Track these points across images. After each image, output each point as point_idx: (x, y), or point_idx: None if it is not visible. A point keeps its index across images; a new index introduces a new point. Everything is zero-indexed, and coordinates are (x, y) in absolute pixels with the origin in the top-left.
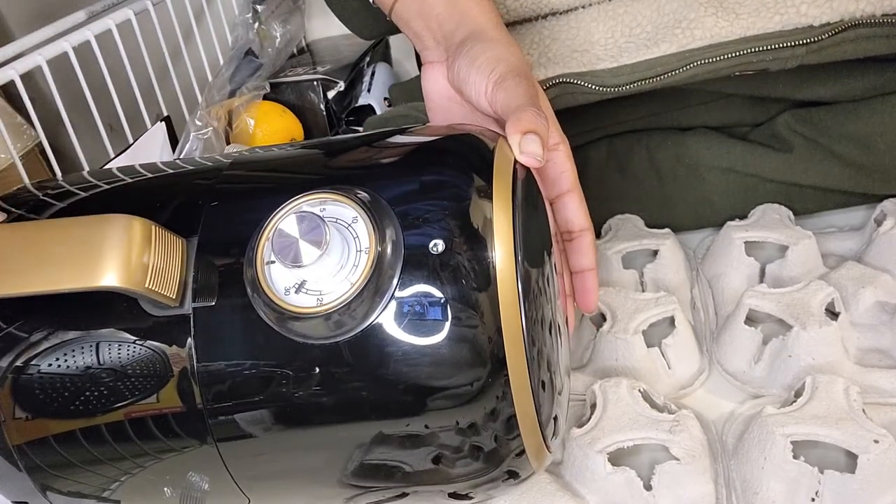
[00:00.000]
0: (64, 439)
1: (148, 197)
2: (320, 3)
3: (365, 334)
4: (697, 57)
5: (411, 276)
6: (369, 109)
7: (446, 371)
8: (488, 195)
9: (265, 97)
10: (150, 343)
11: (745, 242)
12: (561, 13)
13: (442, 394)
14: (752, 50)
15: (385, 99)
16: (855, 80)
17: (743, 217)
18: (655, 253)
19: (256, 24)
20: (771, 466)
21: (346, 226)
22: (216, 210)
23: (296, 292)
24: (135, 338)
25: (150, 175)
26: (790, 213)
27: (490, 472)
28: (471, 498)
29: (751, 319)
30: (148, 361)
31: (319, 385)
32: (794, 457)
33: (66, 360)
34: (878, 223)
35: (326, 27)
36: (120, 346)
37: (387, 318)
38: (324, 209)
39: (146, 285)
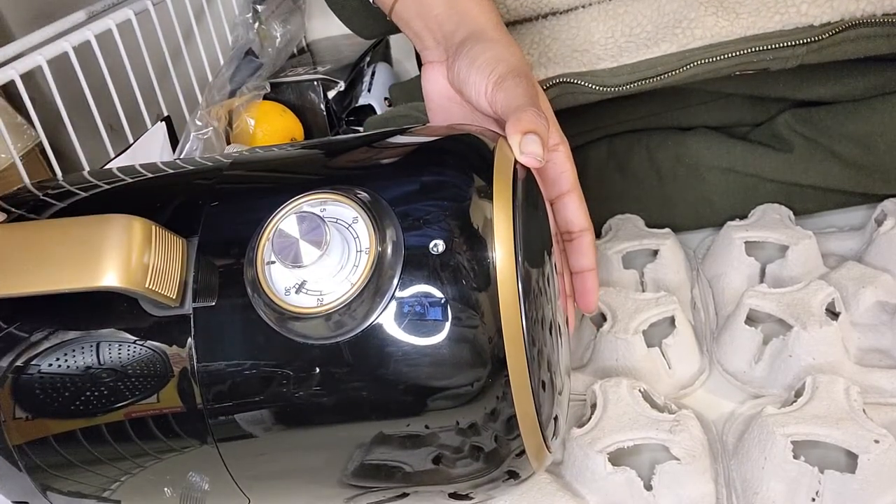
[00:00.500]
0: (64, 439)
1: (148, 197)
2: (321, 2)
3: (365, 334)
4: (698, 56)
5: (411, 276)
6: (369, 109)
7: (446, 371)
8: (488, 195)
9: (265, 97)
10: (150, 343)
11: (746, 242)
12: (561, 13)
13: (442, 394)
14: (753, 49)
15: (385, 99)
16: (855, 79)
17: (743, 217)
18: (656, 253)
19: (257, 24)
20: (771, 466)
21: (347, 226)
22: (216, 210)
23: (296, 292)
24: (135, 338)
25: (151, 175)
26: (790, 212)
27: (490, 472)
28: (471, 498)
29: (751, 319)
30: (148, 361)
31: (320, 385)
32: (795, 457)
33: (66, 360)
34: (879, 223)
35: (327, 27)
36: (120, 346)
37: (387, 319)
38: (324, 209)
39: (146, 285)
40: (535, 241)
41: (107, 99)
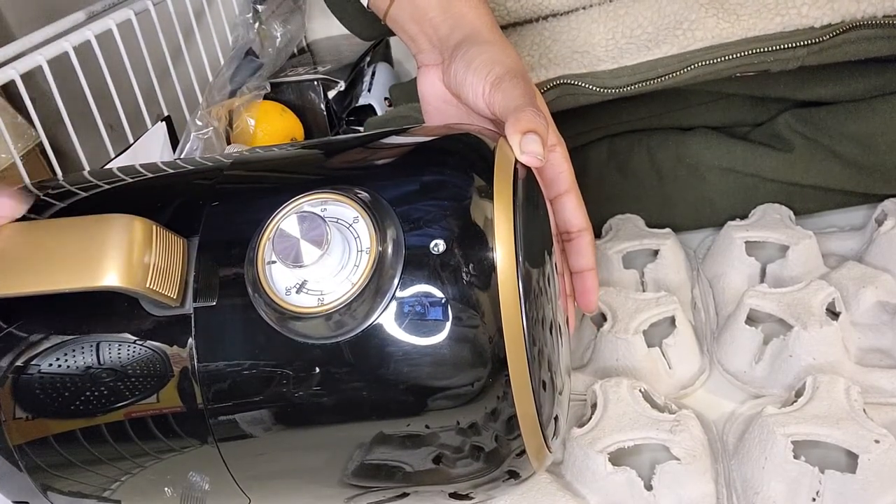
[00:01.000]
0: (65, 439)
1: (149, 197)
2: (321, 2)
3: (366, 334)
4: (698, 58)
5: (412, 276)
6: (370, 109)
7: (447, 371)
8: (489, 195)
9: (266, 97)
10: (150, 343)
11: (746, 242)
12: (561, 14)
13: (443, 394)
14: (753, 51)
15: (385, 99)
16: (856, 80)
17: (743, 217)
18: (656, 253)
19: (257, 24)
20: (772, 466)
21: (347, 226)
22: (217, 210)
23: (297, 292)
24: (135, 338)
25: (151, 175)
26: (791, 212)
27: (491, 472)
28: (471, 498)
29: (751, 319)
30: (149, 361)
31: (320, 385)
32: (795, 457)
33: (66, 360)
34: (879, 223)
35: (327, 27)
36: (120, 345)
37: (388, 319)
38: (325, 209)
39: (147, 285)
40: (536, 241)
41: (107, 99)
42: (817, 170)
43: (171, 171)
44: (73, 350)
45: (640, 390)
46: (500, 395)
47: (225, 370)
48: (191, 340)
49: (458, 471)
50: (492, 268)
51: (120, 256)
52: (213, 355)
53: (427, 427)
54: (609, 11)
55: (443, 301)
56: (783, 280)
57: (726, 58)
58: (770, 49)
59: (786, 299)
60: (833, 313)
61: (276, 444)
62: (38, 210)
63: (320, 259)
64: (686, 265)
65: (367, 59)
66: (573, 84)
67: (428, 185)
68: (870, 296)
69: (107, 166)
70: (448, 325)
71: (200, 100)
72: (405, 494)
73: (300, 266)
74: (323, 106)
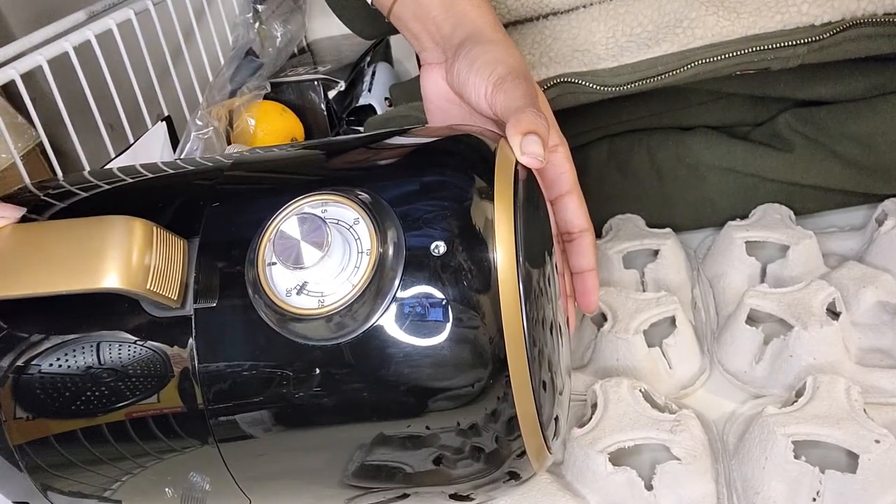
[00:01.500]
0: (65, 439)
1: (149, 197)
2: (321, 2)
3: (366, 336)
4: (698, 56)
5: (413, 277)
6: (370, 109)
7: (448, 372)
8: (490, 196)
9: (266, 97)
10: (151, 344)
11: (746, 242)
12: (562, 13)
13: (443, 395)
14: (754, 49)
15: (386, 99)
16: (856, 79)
17: (744, 217)
18: (656, 253)
19: (257, 24)
20: (772, 466)
21: (348, 227)
22: (217, 211)
23: (297, 294)
24: (136, 338)
25: (151, 175)
26: (791, 212)
27: (491, 473)
28: (472, 499)
29: (752, 319)
30: (149, 362)
31: (321, 386)
32: (796, 457)
33: (67, 361)
34: (880, 223)
35: (327, 27)
36: (121, 346)
37: (388, 320)
38: (325, 210)
39: (147, 286)
40: (536, 242)
41: (107, 99)
42: (817, 170)
43: (172, 171)
44: (74, 350)
45: (640, 390)
46: (501, 396)
47: (225, 371)
48: (191, 341)
49: (459, 472)
50: (492, 269)
51: (120, 258)
52: (213, 356)
53: (427, 428)
54: (609, 10)
55: (443, 302)
56: (783, 280)
57: (726, 56)
58: (770, 47)
59: (786, 299)
60: (833, 313)
61: (277, 444)
62: (38, 210)
63: (321, 261)
64: (686, 265)
65: (368, 58)
66: (574, 82)
67: (428, 187)
68: (870, 296)
69: (107, 166)
70: (449, 326)
71: (200, 100)
72: (406, 495)
73: (301, 267)
74: (323, 106)
